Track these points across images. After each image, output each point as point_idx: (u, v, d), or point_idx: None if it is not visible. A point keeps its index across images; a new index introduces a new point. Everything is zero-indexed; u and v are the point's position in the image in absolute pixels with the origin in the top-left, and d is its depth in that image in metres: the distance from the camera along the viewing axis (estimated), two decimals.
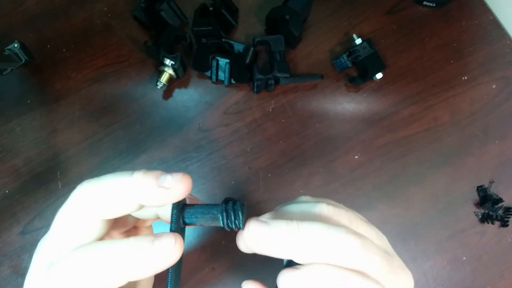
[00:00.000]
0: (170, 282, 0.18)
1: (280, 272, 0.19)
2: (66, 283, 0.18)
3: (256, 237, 0.19)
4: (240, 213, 0.19)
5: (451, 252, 0.48)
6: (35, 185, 0.47)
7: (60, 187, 0.47)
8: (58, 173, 0.48)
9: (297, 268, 0.19)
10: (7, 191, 0.47)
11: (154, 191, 0.18)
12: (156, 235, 0.18)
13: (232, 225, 0.19)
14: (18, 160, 0.48)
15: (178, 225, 0.19)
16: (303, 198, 0.24)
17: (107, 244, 0.18)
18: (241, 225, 0.19)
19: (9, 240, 0.46)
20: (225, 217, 0.19)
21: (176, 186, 0.18)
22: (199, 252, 0.46)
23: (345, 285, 0.18)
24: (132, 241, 0.18)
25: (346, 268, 0.19)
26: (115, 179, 0.19)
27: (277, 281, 0.19)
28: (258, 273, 0.46)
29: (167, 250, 0.17)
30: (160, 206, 0.19)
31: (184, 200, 0.20)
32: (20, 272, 0.45)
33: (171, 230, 0.19)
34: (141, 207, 0.19)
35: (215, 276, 0.46)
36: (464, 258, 0.48)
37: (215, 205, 0.20)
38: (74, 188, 0.20)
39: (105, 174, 0.19)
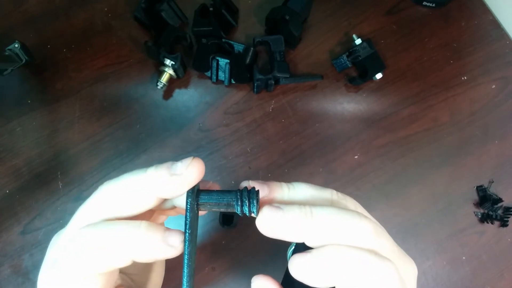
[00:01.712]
0: (186, 265, 0.19)
1: (291, 257, 0.19)
2: (70, 267, 0.18)
3: (270, 223, 0.19)
4: (254, 200, 0.19)
5: (450, 252, 0.48)
6: (36, 185, 0.47)
7: (60, 187, 0.47)
8: (59, 173, 0.48)
9: (309, 252, 0.19)
10: (7, 191, 0.47)
11: (168, 180, 0.19)
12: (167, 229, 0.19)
13: (246, 211, 0.20)
14: (18, 160, 0.48)
15: (193, 213, 0.19)
16: (304, 184, 0.23)
17: (112, 224, 0.19)
18: (255, 212, 0.19)
19: (9, 239, 0.46)
20: (239, 204, 0.19)
21: (187, 171, 0.19)
22: (199, 252, 0.46)
23: (359, 264, 0.18)
24: (144, 225, 0.19)
25: (359, 248, 0.18)
26: (131, 177, 0.19)
27: (288, 267, 0.19)
28: (258, 273, 0.46)
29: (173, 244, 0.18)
30: (178, 196, 0.20)
31: (197, 186, 0.20)
32: (21, 272, 0.45)
33: (186, 218, 0.19)
34: (160, 201, 0.20)
35: (215, 276, 0.46)
36: (463, 258, 0.48)
37: (230, 191, 0.20)
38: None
39: (123, 174, 0.20)
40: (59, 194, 0.47)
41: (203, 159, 0.49)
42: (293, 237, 0.19)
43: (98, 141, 0.49)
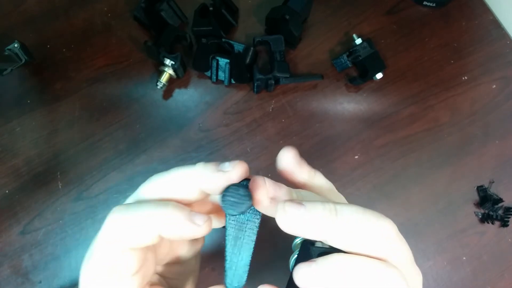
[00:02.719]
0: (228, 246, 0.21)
1: (296, 266, 0.18)
2: (103, 247, 0.20)
3: (292, 220, 0.18)
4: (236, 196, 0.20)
5: (451, 252, 0.48)
6: (35, 185, 0.47)
7: (60, 187, 0.47)
8: (58, 173, 0.48)
9: (314, 261, 0.18)
10: (7, 191, 0.47)
11: (214, 174, 0.20)
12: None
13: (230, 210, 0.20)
14: (18, 160, 0.48)
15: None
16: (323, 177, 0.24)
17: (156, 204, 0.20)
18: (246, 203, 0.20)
19: (9, 240, 0.46)
20: (224, 200, 0.20)
21: (232, 170, 0.20)
22: None
23: (366, 273, 0.17)
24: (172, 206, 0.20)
25: (368, 256, 0.18)
26: (180, 169, 0.21)
27: (293, 276, 0.18)
28: (258, 274, 0.46)
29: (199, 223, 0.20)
30: (219, 193, 0.21)
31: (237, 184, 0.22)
32: (20, 272, 0.45)
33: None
34: (202, 194, 0.21)
35: (215, 276, 0.46)
36: (464, 258, 0.48)
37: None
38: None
39: (171, 168, 0.22)
40: (59, 194, 0.47)
41: (203, 159, 0.49)
42: (315, 235, 0.19)
43: (97, 141, 0.49)
